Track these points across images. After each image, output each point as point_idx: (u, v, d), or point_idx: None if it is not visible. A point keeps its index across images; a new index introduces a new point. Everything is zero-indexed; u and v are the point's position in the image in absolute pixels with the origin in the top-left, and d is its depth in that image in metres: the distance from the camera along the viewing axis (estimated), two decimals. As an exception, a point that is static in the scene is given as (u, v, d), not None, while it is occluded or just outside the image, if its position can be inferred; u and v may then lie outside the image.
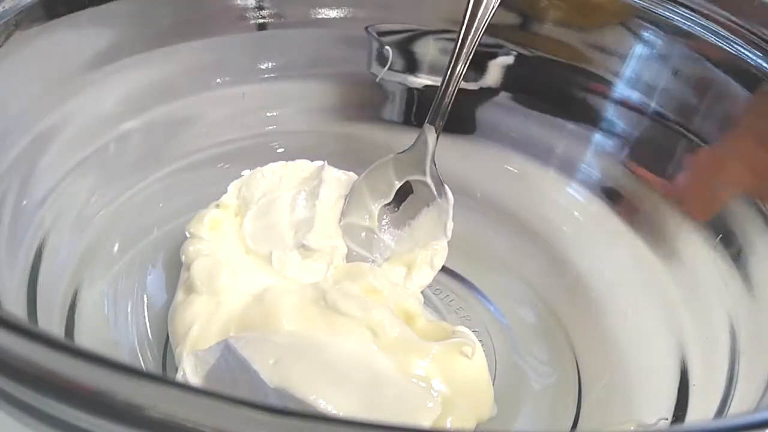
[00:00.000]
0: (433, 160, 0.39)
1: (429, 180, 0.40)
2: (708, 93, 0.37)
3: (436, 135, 0.39)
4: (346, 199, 0.40)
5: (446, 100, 0.38)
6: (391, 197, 0.40)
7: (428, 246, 0.39)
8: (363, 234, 0.40)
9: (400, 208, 0.40)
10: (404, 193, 0.40)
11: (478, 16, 0.36)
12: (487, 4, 0.36)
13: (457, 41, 0.37)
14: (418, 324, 0.34)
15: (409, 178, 0.40)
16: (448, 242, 0.39)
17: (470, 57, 0.37)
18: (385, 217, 0.40)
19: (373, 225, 0.40)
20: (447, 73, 0.38)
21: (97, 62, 0.36)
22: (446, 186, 0.39)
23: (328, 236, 0.38)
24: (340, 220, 0.40)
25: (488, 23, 0.36)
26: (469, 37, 0.37)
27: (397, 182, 0.40)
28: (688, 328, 0.34)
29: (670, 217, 0.37)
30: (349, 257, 0.39)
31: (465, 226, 0.40)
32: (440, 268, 0.39)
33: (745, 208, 0.33)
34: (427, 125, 0.39)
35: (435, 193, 0.40)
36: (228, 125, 0.43)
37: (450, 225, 0.39)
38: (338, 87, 0.46)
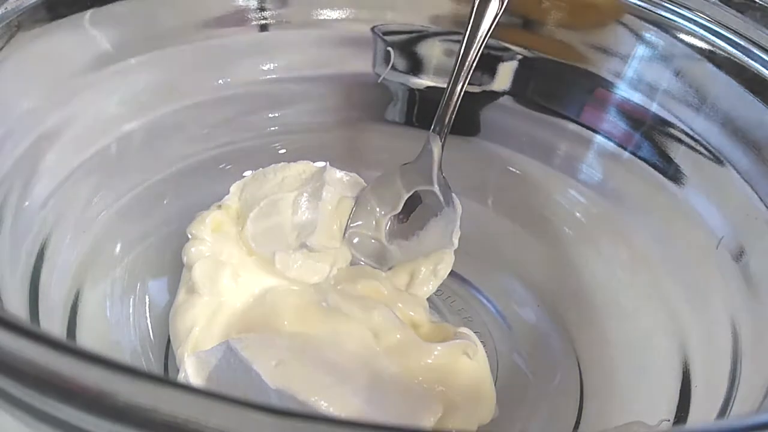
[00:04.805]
0: (440, 169, 0.39)
1: (437, 189, 0.39)
2: (710, 94, 0.37)
3: (441, 144, 0.39)
4: (352, 208, 0.40)
5: (450, 109, 0.38)
6: (400, 208, 0.40)
7: (434, 255, 0.38)
8: (369, 244, 0.40)
9: (409, 218, 0.40)
10: (413, 203, 0.40)
11: (481, 28, 0.36)
12: (489, 15, 0.36)
13: (459, 53, 0.37)
14: (423, 331, 0.34)
15: (417, 188, 0.40)
16: (451, 245, 0.39)
17: (473, 67, 0.37)
18: (393, 227, 0.40)
19: (380, 235, 0.40)
20: (450, 84, 0.38)
21: (99, 63, 0.37)
22: (454, 194, 0.39)
23: (331, 237, 0.38)
24: (346, 229, 0.39)
25: (491, 33, 0.37)
26: (472, 49, 0.37)
27: (405, 193, 0.40)
28: (690, 329, 0.34)
29: (671, 217, 0.37)
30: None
31: (467, 227, 0.40)
32: (445, 276, 0.38)
33: (746, 208, 0.33)
34: (431, 134, 0.39)
35: (443, 202, 0.39)
36: (230, 126, 0.43)
37: (457, 234, 0.39)
38: (340, 88, 0.46)
